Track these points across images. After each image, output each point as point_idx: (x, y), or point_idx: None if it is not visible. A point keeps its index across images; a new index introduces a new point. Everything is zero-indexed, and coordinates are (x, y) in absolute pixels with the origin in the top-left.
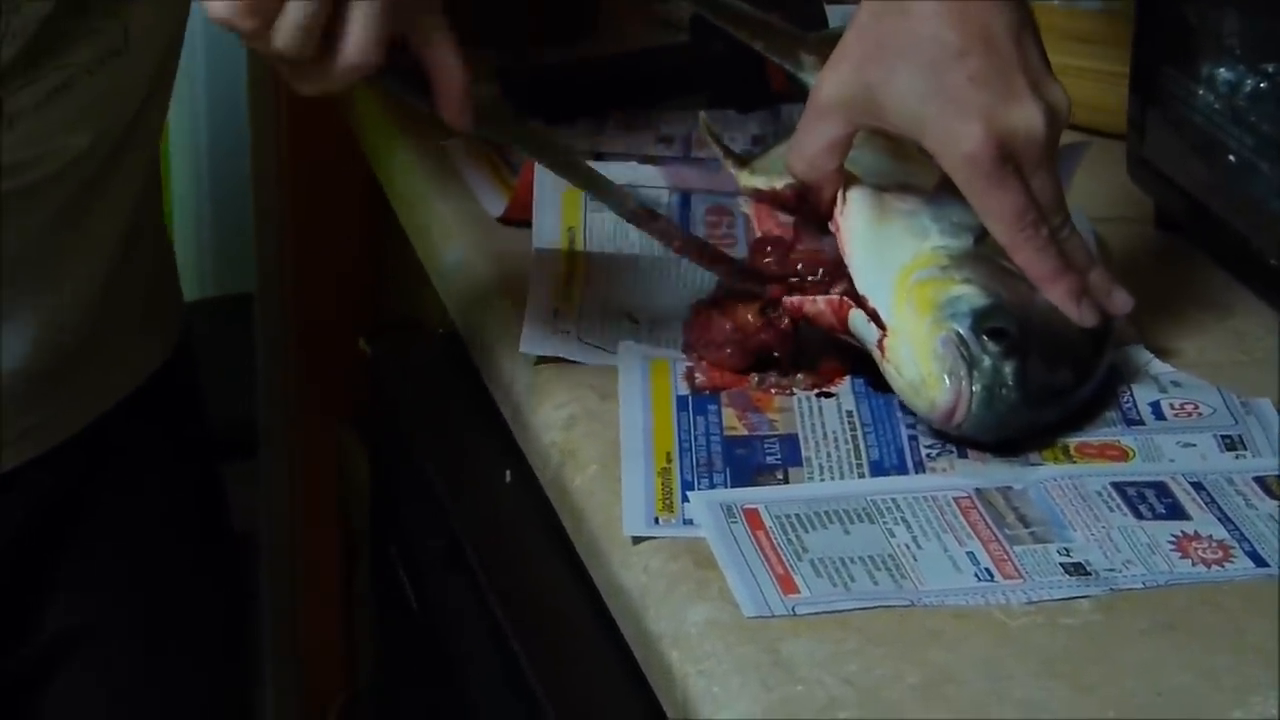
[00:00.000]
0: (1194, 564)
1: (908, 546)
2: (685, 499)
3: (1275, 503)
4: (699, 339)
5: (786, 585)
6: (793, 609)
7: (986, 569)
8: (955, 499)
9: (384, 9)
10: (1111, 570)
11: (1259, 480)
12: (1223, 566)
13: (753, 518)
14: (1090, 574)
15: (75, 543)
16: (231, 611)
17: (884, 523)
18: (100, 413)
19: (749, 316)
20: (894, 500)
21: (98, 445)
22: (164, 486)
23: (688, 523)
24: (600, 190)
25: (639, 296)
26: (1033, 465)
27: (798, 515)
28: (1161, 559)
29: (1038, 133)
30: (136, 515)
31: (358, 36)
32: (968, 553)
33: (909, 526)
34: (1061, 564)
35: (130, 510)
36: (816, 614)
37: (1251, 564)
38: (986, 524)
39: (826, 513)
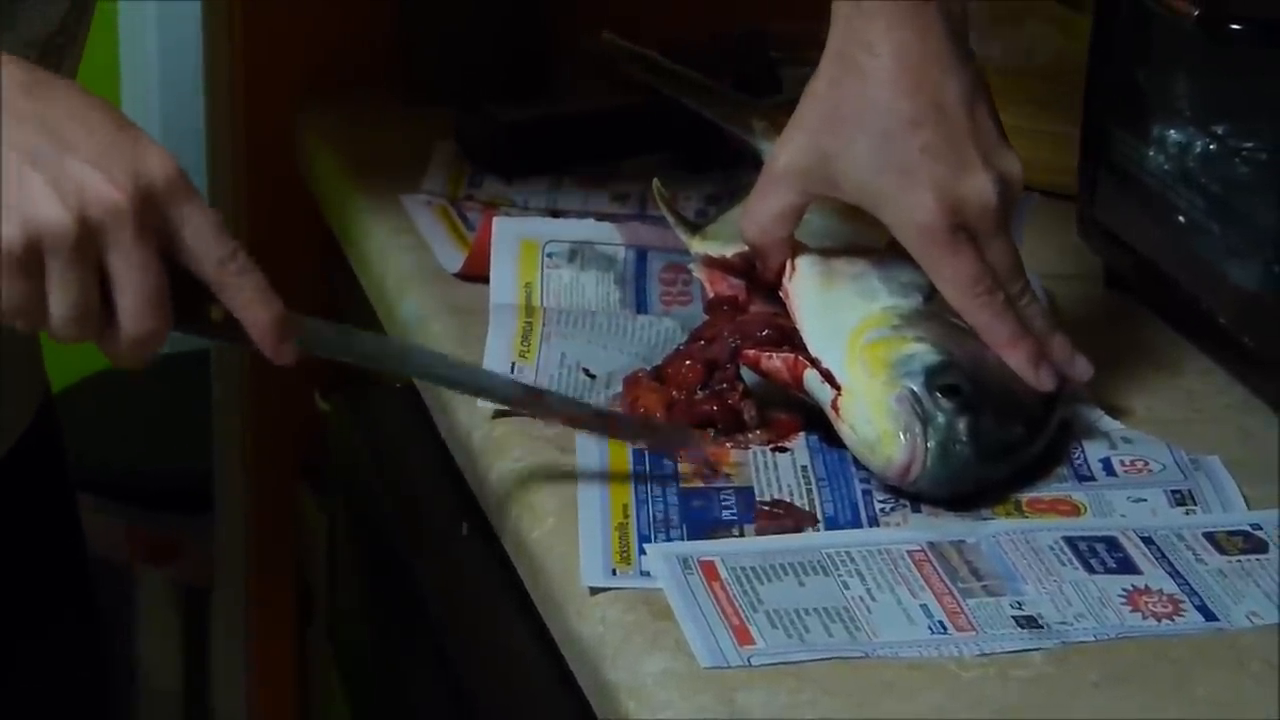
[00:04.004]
0: (1144, 617)
1: (862, 599)
2: (642, 551)
3: (1224, 558)
4: (630, 409)
5: (742, 636)
6: (748, 660)
7: (940, 621)
8: (909, 552)
9: (153, 270)
10: (1063, 623)
11: (1208, 536)
12: (1173, 620)
13: (709, 570)
14: (1042, 627)
15: None
16: (97, 689)
17: (838, 575)
18: None
19: (679, 393)
20: (848, 553)
21: None
22: (24, 555)
23: (645, 574)
24: (473, 388)
25: (596, 351)
26: (985, 520)
27: (753, 568)
28: (1112, 612)
29: (990, 202)
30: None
31: (131, 306)
32: (921, 605)
33: (863, 579)
34: (1014, 617)
35: None
36: (772, 665)
37: (1201, 618)
38: (940, 577)
39: (782, 565)
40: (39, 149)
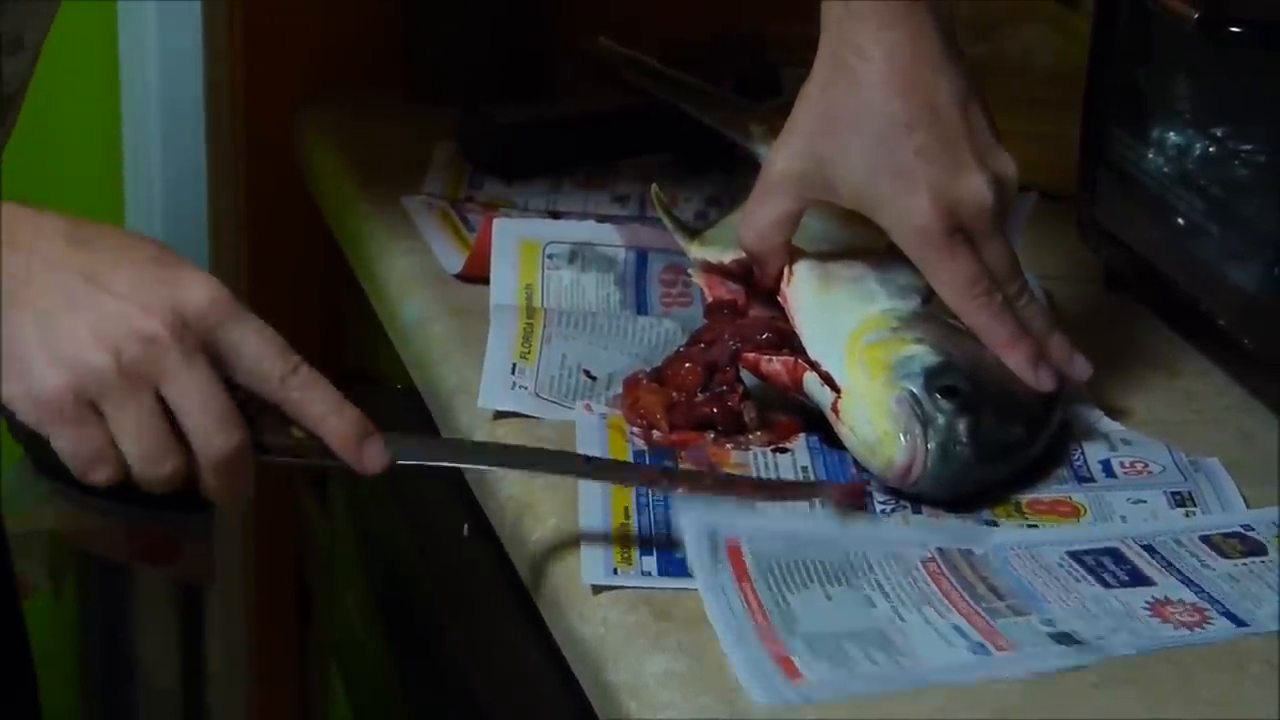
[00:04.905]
0: (1175, 628)
1: (891, 619)
2: (644, 551)
3: (1229, 562)
4: (629, 410)
5: (788, 668)
6: (805, 696)
7: (978, 643)
8: (922, 561)
9: (211, 389)
10: (1100, 638)
11: (1205, 539)
12: (1204, 629)
13: (735, 557)
14: (1081, 643)
15: None
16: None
17: (861, 589)
18: None
19: (681, 394)
20: (866, 560)
21: None
22: None
23: (646, 574)
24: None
25: (596, 352)
26: (987, 524)
27: (779, 564)
28: (1142, 625)
29: (986, 203)
30: None
31: (198, 430)
32: (953, 626)
33: (886, 595)
34: (1049, 634)
35: None
36: (831, 701)
37: (1231, 624)
38: (961, 595)
39: (806, 565)
40: (77, 293)
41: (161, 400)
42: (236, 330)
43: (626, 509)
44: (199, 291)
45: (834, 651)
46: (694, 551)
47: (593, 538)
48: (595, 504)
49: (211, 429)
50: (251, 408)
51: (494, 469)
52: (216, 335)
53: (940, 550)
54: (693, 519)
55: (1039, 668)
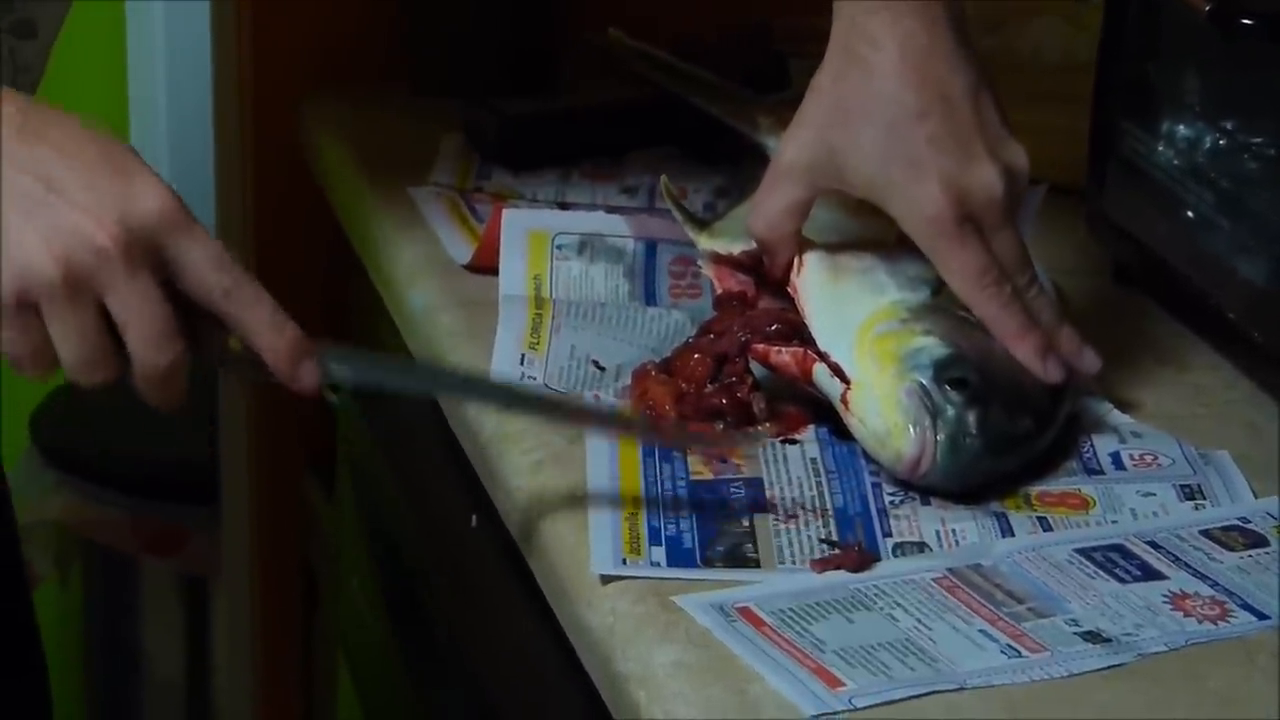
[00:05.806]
0: (1200, 622)
1: (917, 629)
2: (654, 542)
3: (1234, 554)
4: (638, 401)
5: (827, 679)
6: (850, 702)
7: (1009, 645)
8: (934, 580)
9: (153, 305)
10: (1128, 635)
11: (1205, 533)
12: (1228, 623)
13: (750, 616)
14: (1110, 640)
15: None
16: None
17: (881, 610)
18: None
19: (689, 386)
20: (877, 587)
21: None
22: None
23: (655, 564)
24: (524, 406)
25: (605, 343)
26: (994, 540)
27: (792, 609)
28: (1167, 619)
29: (996, 193)
30: None
31: (137, 343)
32: (980, 630)
33: (906, 610)
34: (1076, 634)
35: None
36: (874, 705)
37: (1253, 617)
38: (980, 602)
39: (820, 604)
40: (30, 196)
41: (102, 309)
42: (183, 242)
43: (636, 499)
44: (150, 201)
45: (869, 660)
46: (705, 621)
47: (601, 527)
48: (604, 493)
49: (149, 343)
50: (195, 312)
51: (436, 392)
52: (163, 246)
53: (950, 569)
54: (698, 602)
55: (1077, 668)
